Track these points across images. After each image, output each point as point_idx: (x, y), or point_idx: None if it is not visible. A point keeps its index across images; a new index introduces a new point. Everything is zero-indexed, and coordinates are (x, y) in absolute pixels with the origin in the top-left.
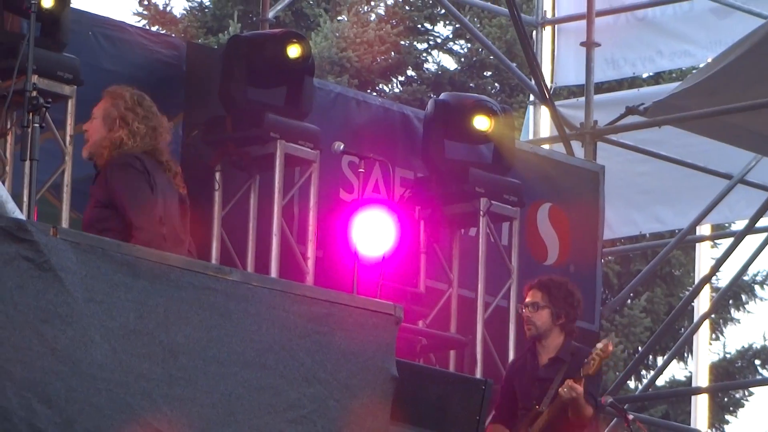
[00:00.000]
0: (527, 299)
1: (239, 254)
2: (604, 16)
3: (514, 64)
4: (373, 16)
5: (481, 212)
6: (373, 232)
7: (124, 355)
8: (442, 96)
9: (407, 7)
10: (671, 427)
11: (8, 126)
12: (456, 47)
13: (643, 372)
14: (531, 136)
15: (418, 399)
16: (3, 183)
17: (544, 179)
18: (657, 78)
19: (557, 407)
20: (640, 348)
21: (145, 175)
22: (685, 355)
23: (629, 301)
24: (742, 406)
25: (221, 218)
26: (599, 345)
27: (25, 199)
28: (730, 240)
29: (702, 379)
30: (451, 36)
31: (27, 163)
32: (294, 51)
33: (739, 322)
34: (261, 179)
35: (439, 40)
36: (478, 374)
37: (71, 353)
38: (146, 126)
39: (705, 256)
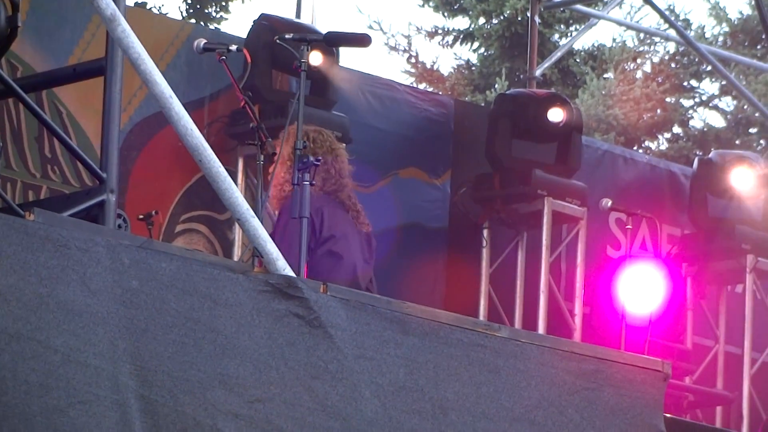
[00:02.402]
0: None
1: (507, 310)
2: None
3: None
4: (639, 74)
5: (748, 269)
6: (641, 289)
7: (394, 411)
8: (710, 154)
9: (673, 65)
10: None
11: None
12: (722, 104)
13: None
14: None
15: None
16: None
17: None
18: None
19: None
20: None
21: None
22: None
23: None
24: None
25: (489, 275)
26: None
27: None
28: None
29: None
30: (717, 93)
31: (298, 221)
32: (555, 115)
33: None
34: (528, 236)
35: (704, 97)
36: (745, 430)
37: (342, 409)
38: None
39: None
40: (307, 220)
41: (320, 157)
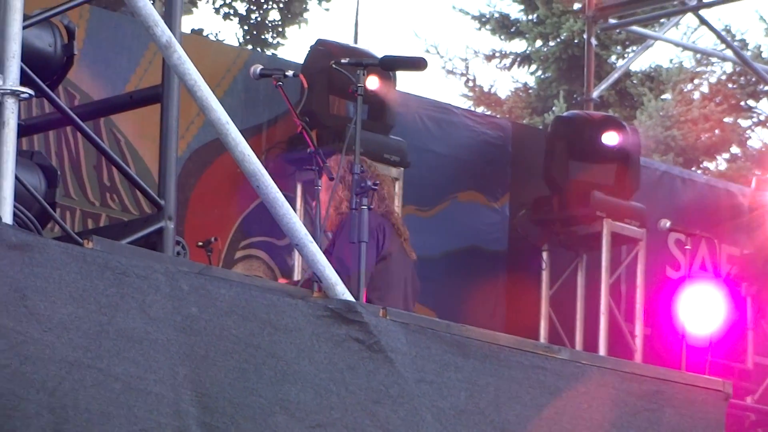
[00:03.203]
0: None
1: (567, 332)
2: None
3: None
4: (696, 95)
5: None
6: (701, 309)
7: None
8: None
9: (730, 85)
10: None
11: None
12: None
13: None
14: None
15: None
16: None
17: None
18: None
19: None
20: None
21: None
22: None
23: None
24: None
25: (549, 297)
26: None
27: None
28: None
29: None
30: None
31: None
32: (610, 139)
33: None
34: (588, 258)
35: (762, 117)
36: None
37: None
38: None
39: None
40: (365, 245)
41: (378, 181)
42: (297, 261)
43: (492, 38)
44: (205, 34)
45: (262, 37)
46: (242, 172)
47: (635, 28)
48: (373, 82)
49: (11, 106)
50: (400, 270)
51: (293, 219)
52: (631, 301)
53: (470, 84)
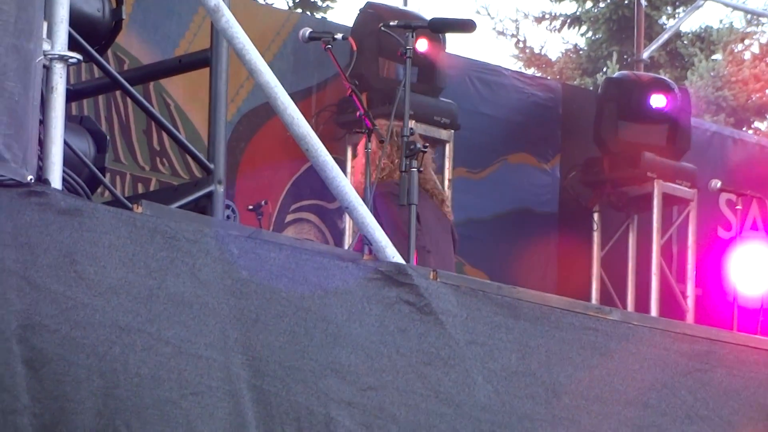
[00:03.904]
0: None
1: (618, 293)
2: None
3: None
4: (747, 55)
5: None
6: (753, 269)
7: (507, 396)
8: None
9: None
10: None
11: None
12: None
13: None
14: None
15: None
16: None
17: None
18: None
19: None
20: None
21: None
22: None
23: None
24: None
25: (600, 258)
26: None
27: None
28: None
29: None
30: None
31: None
32: (657, 101)
33: None
34: (639, 219)
35: None
36: None
37: (454, 395)
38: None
39: None
40: (414, 207)
41: (427, 144)
42: (347, 224)
43: (542, 0)
44: None
45: (312, 0)
46: (292, 136)
47: None
48: (422, 45)
49: (59, 71)
50: (432, 232)
51: (343, 182)
52: (682, 261)
53: (520, 45)
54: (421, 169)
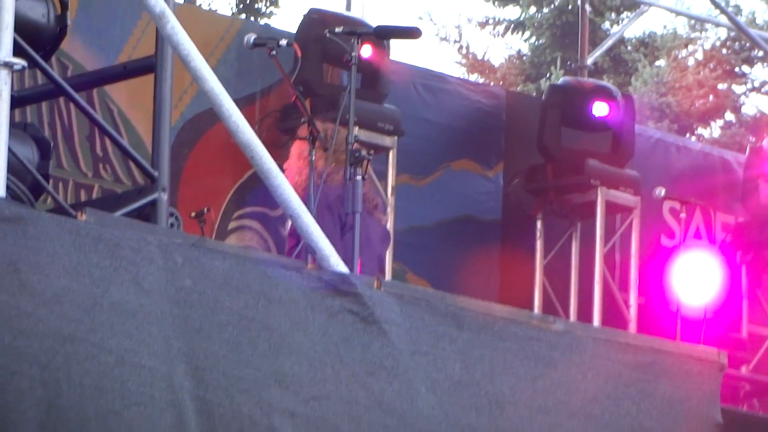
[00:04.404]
0: None
1: (561, 302)
2: None
3: None
4: (691, 61)
5: None
6: (696, 278)
7: (450, 406)
8: (763, 141)
9: (724, 51)
10: None
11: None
12: None
13: None
14: None
15: None
16: None
17: None
18: None
19: None
20: None
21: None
22: None
23: None
24: None
25: (543, 266)
26: None
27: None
28: None
29: None
30: None
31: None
32: (600, 109)
33: None
34: (582, 227)
35: (756, 83)
36: None
37: (398, 406)
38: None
39: None
40: (359, 215)
41: (372, 151)
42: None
43: (485, 5)
44: (197, 3)
45: (255, 6)
46: (236, 143)
47: None
48: (367, 51)
49: (4, 78)
50: (368, 238)
51: (287, 190)
52: (625, 270)
53: (463, 51)
54: (366, 177)
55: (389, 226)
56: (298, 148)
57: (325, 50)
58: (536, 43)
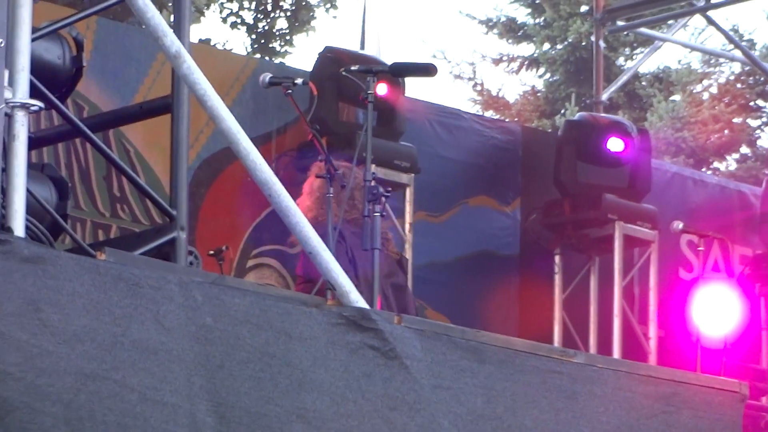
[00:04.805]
0: None
1: (581, 336)
2: None
3: None
4: (706, 95)
5: None
6: (715, 310)
7: None
8: None
9: (739, 85)
10: None
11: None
12: None
13: None
14: None
15: None
16: None
17: None
18: None
19: None
20: None
21: (342, 244)
22: None
23: None
24: None
25: (562, 301)
26: None
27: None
28: None
29: None
30: None
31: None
32: (615, 145)
33: None
34: (600, 261)
35: None
36: None
37: None
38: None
39: None
40: (378, 252)
41: (390, 188)
42: None
43: (499, 42)
44: (213, 43)
45: (270, 45)
46: (253, 181)
47: (643, 30)
48: (382, 89)
49: (21, 119)
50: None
51: (306, 227)
52: (644, 303)
53: (478, 88)
54: (384, 213)
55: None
56: (309, 186)
57: (340, 88)
58: (551, 79)
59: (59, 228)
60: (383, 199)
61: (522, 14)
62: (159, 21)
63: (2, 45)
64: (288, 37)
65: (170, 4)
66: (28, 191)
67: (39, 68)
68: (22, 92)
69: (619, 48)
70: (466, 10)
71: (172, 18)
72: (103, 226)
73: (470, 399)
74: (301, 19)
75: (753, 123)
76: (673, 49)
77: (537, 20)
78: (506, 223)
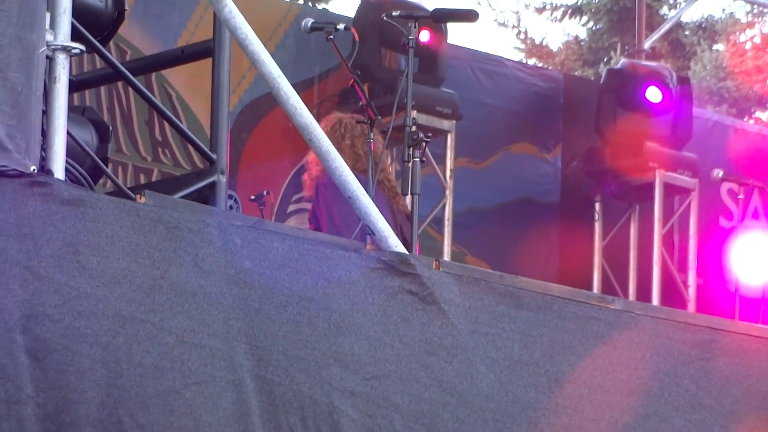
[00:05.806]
0: None
1: (620, 283)
2: None
3: None
4: (749, 45)
5: None
6: (754, 258)
7: (509, 385)
8: None
9: None
10: None
11: (389, 161)
12: None
13: None
14: None
15: None
16: None
17: None
18: None
19: None
20: None
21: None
22: None
23: None
24: None
25: (602, 248)
26: None
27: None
28: None
29: None
30: None
31: (409, 198)
32: (653, 94)
33: None
34: (640, 208)
35: None
36: None
37: (457, 385)
38: (348, 147)
39: None
40: (417, 197)
41: (430, 134)
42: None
43: None
44: None
45: None
46: (294, 126)
47: None
48: (424, 35)
49: (62, 62)
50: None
51: (346, 172)
52: (683, 251)
53: (522, 36)
54: (424, 159)
55: (447, 208)
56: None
57: (382, 34)
58: (594, 28)
59: (99, 171)
60: (424, 144)
61: None
62: None
63: None
64: None
65: None
66: (69, 134)
67: (81, 11)
68: (63, 35)
69: None
70: None
71: None
72: (144, 170)
73: (507, 344)
74: None
75: None
76: None
77: None
78: (547, 170)
